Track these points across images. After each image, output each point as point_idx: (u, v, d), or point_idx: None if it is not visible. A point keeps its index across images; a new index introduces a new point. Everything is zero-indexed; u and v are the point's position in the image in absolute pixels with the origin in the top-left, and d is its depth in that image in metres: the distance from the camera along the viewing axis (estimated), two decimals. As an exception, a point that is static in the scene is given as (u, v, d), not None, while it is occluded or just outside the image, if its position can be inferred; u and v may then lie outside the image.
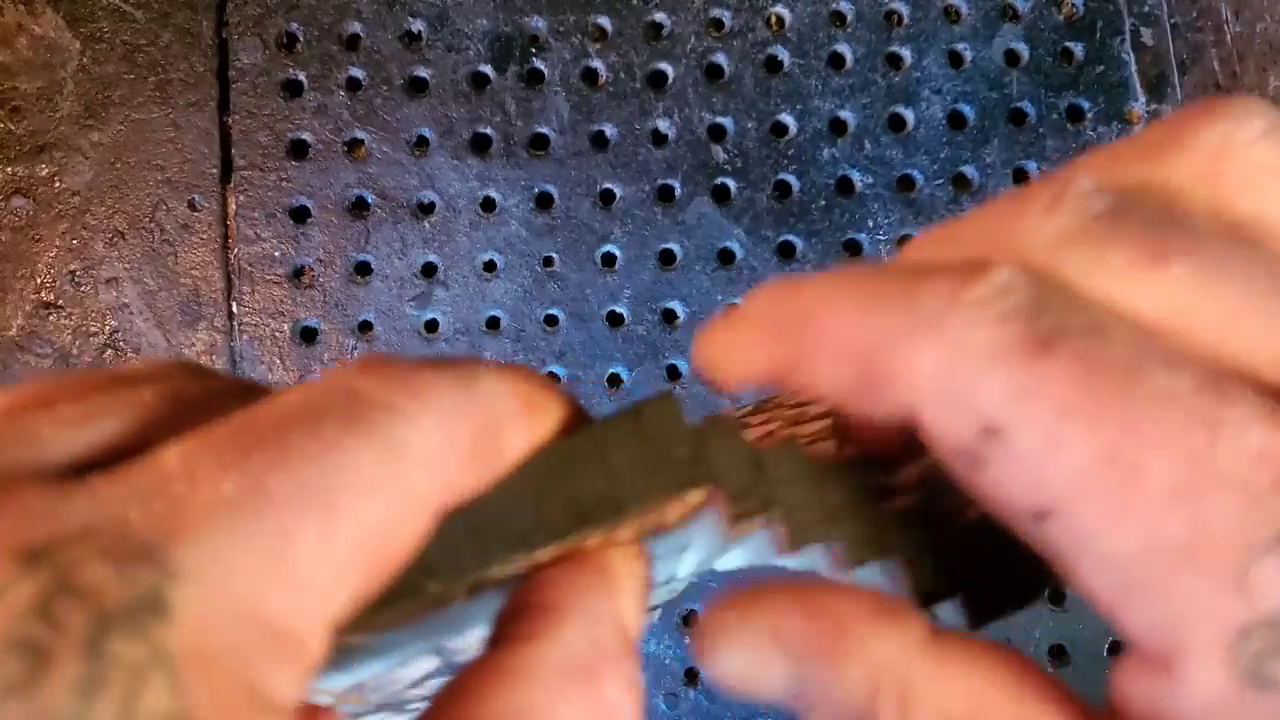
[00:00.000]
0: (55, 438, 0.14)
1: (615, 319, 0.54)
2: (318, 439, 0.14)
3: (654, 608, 0.24)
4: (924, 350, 0.14)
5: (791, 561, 0.18)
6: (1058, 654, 0.51)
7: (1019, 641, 0.51)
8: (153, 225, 0.55)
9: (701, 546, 0.19)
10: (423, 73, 0.55)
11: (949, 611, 0.17)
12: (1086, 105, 0.54)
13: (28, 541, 0.12)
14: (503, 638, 0.15)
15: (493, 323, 0.54)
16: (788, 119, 0.54)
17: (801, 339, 0.15)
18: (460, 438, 0.15)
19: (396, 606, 0.15)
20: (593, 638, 0.15)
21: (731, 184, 0.54)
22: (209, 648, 0.12)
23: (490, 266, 0.54)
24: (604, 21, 0.55)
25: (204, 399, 0.15)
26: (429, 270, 0.54)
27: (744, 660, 0.16)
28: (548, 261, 0.54)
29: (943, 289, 0.14)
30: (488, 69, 0.55)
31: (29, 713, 0.11)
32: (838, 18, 0.55)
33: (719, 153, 0.54)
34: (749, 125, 0.54)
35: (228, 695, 0.12)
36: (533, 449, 0.16)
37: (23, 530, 0.12)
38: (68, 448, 0.14)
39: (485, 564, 0.15)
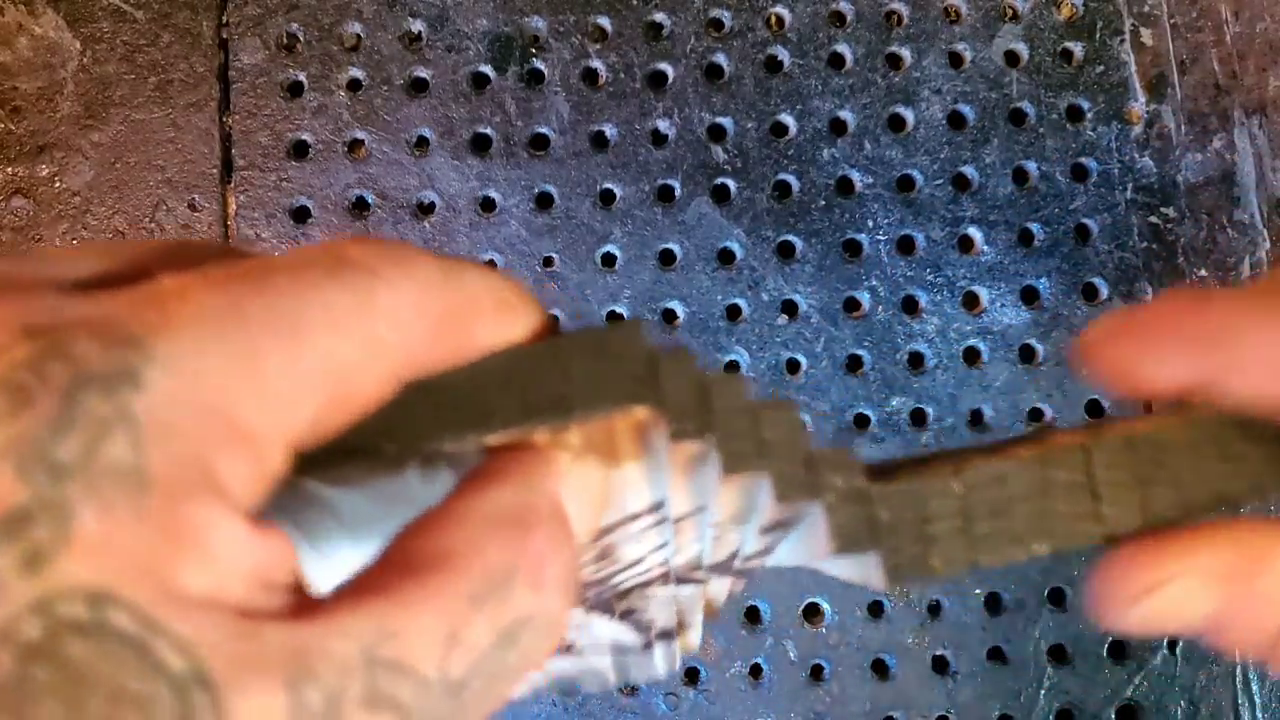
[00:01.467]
0: (76, 263, 0.17)
1: (615, 319, 0.54)
2: (298, 280, 0.15)
3: (699, 571, 0.24)
4: None
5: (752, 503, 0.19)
6: (1058, 654, 0.51)
7: (1018, 641, 0.51)
8: (153, 225, 0.55)
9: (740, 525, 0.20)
10: (423, 73, 0.55)
11: (865, 566, 0.19)
12: (1086, 105, 0.54)
13: (34, 321, 0.14)
14: (450, 495, 0.17)
15: (493, 323, 0.54)
16: (787, 119, 0.54)
17: (1229, 355, 0.17)
18: (432, 311, 0.16)
19: (357, 462, 0.16)
20: (526, 499, 0.17)
21: (731, 184, 0.54)
22: (172, 422, 0.14)
23: (490, 266, 0.54)
24: (604, 22, 0.55)
25: (212, 256, 0.17)
26: (429, 270, 0.54)
27: (1168, 598, 0.18)
28: (548, 261, 0.54)
29: None
30: (488, 69, 0.55)
31: (7, 436, 0.13)
32: (837, 18, 0.55)
33: (719, 153, 0.54)
34: (749, 125, 0.54)
35: (183, 468, 0.14)
36: (503, 345, 0.17)
37: (31, 314, 0.14)
38: (87, 270, 0.16)
39: (439, 436, 0.17)
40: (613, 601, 0.23)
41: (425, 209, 0.54)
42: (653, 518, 0.20)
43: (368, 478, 0.17)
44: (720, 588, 0.23)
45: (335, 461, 0.16)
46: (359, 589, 0.15)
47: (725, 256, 0.54)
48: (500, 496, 0.16)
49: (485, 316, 0.17)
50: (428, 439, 0.17)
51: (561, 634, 0.17)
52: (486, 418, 0.17)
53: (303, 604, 0.15)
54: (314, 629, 0.14)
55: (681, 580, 0.23)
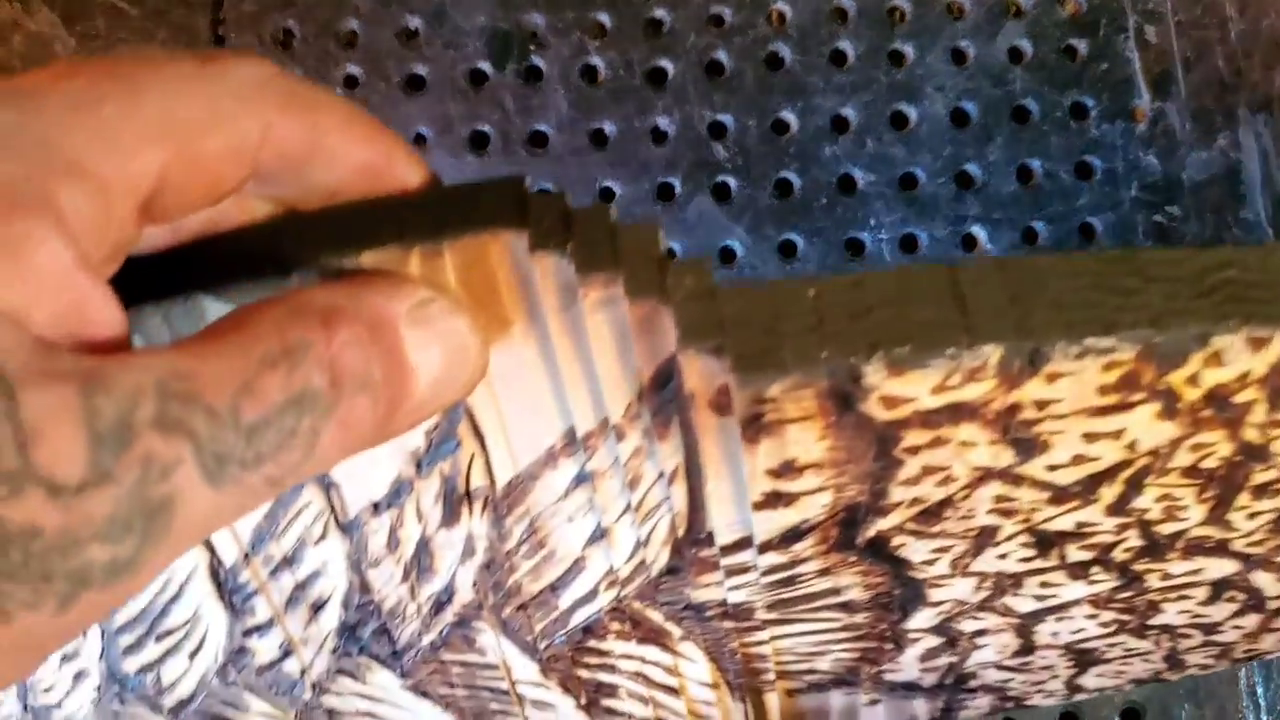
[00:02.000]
0: None
1: (615, 318, 0.53)
2: (137, 53, 0.17)
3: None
4: None
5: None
6: (1062, 657, 0.50)
7: (1023, 644, 0.50)
8: (148, 223, 0.54)
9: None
10: (420, 70, 0.55)
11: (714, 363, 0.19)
12: (1090, 102, 0.54)
13: None
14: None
15: (491, 322, 0.53)
16: (789, 116, 0.54)
17: None
18: (275, 90, 0.18)
19: (245, 277, 0.18)
20: (343, 304, 0.17)
21: (732, 182, 0.53)
22: (11, 144, 0.15)
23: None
24: (603, 18, 0.55)
25: None
26: (427, 269, 0.54)
27: None
28: (546, 260, 0.53)
29: None
30: (486, 66, 0.55)
31: None
32: (839, 14, 0.55)
33: (719, 150, 0.54)
34: (750, 122, 0.54)
35: (18, 183, 0.14)
36: (366, 171, 0.19)
37: None
38: None
39: (321, 254, 0.18)
40: (575, 684, 0.23)
41: (423, 207, 0.54)
42: (572, 466, 0.20)
43: (255, 291, 0.18)
44: (701, 672, 0.23)
45: (225, 279, 0.18)
46: None
47: (726, 255, 0.53)
48: (322, 294, 0.17)
49: (334, 115, 0.18)
50: (310, 257, 0.18)
51: (355, 444, 0.17)
52: (365, 238, 0.18)
53: (107, 351, 0.15)
54: (109, 361, 0.14)
55: (638, 631, 0.23)
